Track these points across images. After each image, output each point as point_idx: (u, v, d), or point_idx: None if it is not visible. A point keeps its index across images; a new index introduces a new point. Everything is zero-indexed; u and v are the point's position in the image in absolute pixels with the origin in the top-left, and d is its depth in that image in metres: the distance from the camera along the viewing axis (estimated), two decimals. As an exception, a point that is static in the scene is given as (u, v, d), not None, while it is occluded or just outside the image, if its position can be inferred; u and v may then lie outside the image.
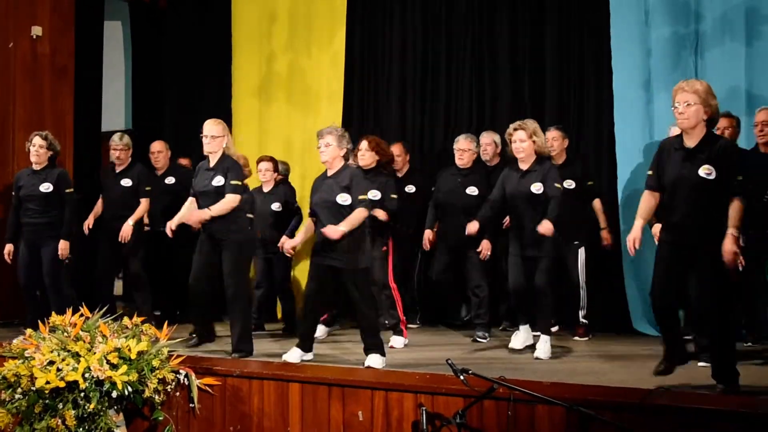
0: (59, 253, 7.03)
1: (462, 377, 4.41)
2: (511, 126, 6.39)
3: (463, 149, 7.28)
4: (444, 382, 4.83)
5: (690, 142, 4.78)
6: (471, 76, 8.55)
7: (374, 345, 5.71)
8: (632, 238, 4.92)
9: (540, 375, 5.22)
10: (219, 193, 6.17)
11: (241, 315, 6.17)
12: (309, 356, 5.91)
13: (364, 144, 6.90)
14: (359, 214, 5.72)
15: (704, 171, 4.67)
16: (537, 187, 6.22)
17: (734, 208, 4.67)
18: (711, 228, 4.69)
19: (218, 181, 6.20)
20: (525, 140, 6.26)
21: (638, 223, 4.96)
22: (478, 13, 8.53)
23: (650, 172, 4.98)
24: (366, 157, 6.85)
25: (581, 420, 4.23)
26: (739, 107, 6.90)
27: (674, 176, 4.80)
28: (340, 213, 5.74)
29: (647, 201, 4.99)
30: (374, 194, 6.60)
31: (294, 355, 5.80)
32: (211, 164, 6.30)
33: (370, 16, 9.16)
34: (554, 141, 7.22)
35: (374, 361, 5.60)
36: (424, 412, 4.57)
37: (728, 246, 4.60)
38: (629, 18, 7.54)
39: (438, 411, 4.69)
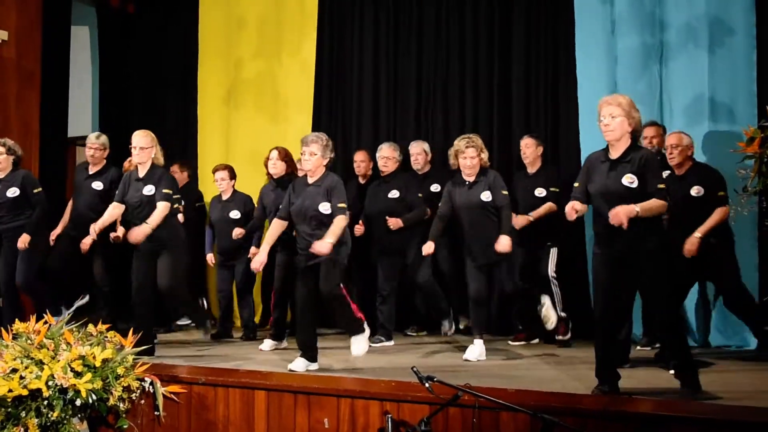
0: (18, 245, 7.09)
1: (427, 385, 4.41)
2: (462, 142, 6.50)
3: (387, 157, 7.53)
4: (409, 390, 4.84)
5: (615, 153, 4.94)
6: (440, 84, 8.58)
7: (355, 329, 5.95)
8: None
9: (505, 382, 5.24)
10: (151, 203, 6.36)
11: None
12: (314, 366, 5.86)
13: (274, 153, 7.17)
14: (340, 222, 5.77)
15: (627, 180, 4.84)
16: (486, 196, 6.40)
17: (652, 200, 4.79)
18: (637, 235, 4.79)
19: (149, 190, 6.39)
20: (475, 156, 6.43)
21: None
22: (447, 22, 8.57)
23: (576, 184, 5.13)
24: (277, 166, 7.15)
25: (545, 427, 4.24)
26: (702, 115, 7.02)
27: (600, 187, 4.95)
28: (321, 222, 5.79)
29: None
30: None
31: (299, 364, 5.77)
32: (140, 175, 6.48)
33: (340, 24, 9.15)
34: (527, 148, 7.35)
35: (359, 345, 5.92)
36: (389, 419, 4.59)
37: (622, 209, 4.69)
38: (595, 27, 7.62)
39: (404, 418, 4.70)
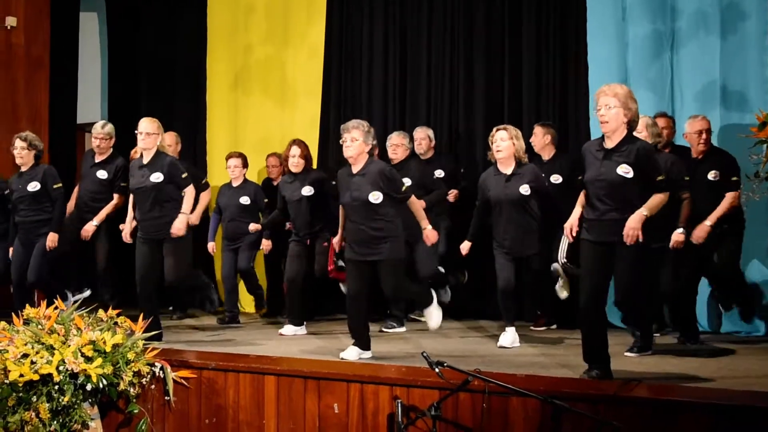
0: (47, 245, 7.12)
1: (437, 370, 4.42)
2: (494, 129, 6.46)
3: (396, 144, 7.43)
4: (419, 375, 4.85)
5: (610, 143, 4.94)
6: (450, 70, 8.55)
7: (424, 301, 6.02)
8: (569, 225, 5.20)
9: (515, 367, 5.25)
10: (157, 189, 6.37)
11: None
12: (367, 354, 5.78)
13: (296, 150, 7.15)
14: (417, 204, 5.89)
15: (622, 170, 4.84)
16: (525, 189, 6.29)
17: (654, 198, 4.85)
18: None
19: (156, 177, 6.37)
20: (506, 140, 6.31)
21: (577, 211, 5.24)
22: (458, 8, 8.53)
23: (580, 177, 5.18)
24: (299, 165, 7.15)
25: (555, 412, 4.25)
26: (713, 101, 6.97)
27: (593, 175, 4.96)
28: (374, 211, 5.69)
29: (581, 196, 5.24)
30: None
31: (352, 353, 5.74)
32: (145, 161, 6.44)
33: (349, 10, 9.11)
34: (536, 136, 7.38)
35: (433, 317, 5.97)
36: (399, 404, 4.59)
37: (631, 221, 4.76)
38: (606, 14, 7.57)
39: (413, 403, 4.71)
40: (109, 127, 7.68)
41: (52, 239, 7.14)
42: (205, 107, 9.67)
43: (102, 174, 7.54)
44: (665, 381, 4.86)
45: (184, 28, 10.00)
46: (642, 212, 4.77)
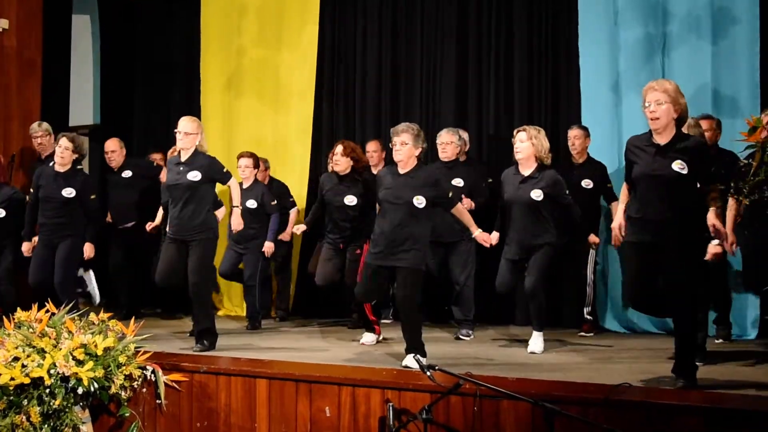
0: (86, 255, 7.08)
1: (428, 373, 4.43)
2: (516, 129, 6.47)
3: (446, 142, 7.20)
4: (411, 378, 4.87)
5: (661, 139, 4.84)
6: (442, 73, 8.55)
7: (414, 346, 5.55)
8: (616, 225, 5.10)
9: (506, 371, 5.25)
10: (192, 188, 6.27)
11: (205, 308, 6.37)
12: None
13: (339, 149, 6.92)
14: (463, 209, 5.93)
15: (678, 166, 4.75)
16: (537, 194, 6.26)
17: (712, 195, 4.82)
18: (683, 223, 4.76)
19: (194, 176, 6.27)
20: (524, 141, 6.31)
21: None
22: (450, 12, 8.54)
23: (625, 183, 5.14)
24: (341, 162, 6.87)
25: (546, 415, 4.26)
26: (705, 105, 6.99)
27: (645, 171, 4.86)
28: (413, 214, 5.59)
29: (624, 193, 5.17)
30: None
31: (369, 338, 6.00)
32: (183, 159, 6.36)
33: (342, 12, 9.12)
34: (576, 139, 7.31)
35: (411, 361, 5.37)
36: (390, 407, 4.58)
37: (710, 219, 4.76)
38: (598, 18, 7.60)
39: (405, 407, 4.71)
40: (45, 125, 7.70)
41: (90, 249, 7.10)
42: (198, 109, 9.64)
43: (68, 192, 7.18)
44: (656, 384, 4.87)
45: (178, 31, 10.00)
46: (713, 209, 4.76)
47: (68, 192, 7.03)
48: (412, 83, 8.73)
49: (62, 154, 7.06)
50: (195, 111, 9.62)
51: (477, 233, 5.99)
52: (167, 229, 6.55)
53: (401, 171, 5.70)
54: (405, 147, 5.65)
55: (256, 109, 9.39)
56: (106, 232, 7.89)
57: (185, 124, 6.38)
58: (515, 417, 4.51)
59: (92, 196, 7.17)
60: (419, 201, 5.57)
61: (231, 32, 9.61)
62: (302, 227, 7.15)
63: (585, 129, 7.39)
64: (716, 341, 6.56)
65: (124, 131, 9.32)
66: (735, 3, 7.08)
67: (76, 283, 7.19)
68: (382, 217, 5.73)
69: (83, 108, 10.32)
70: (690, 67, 7.20)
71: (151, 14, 10.16)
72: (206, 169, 6.31)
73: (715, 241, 5.61)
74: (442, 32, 8.59)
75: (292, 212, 8.38)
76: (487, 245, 6.15)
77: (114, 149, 8.15)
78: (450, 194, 5.79)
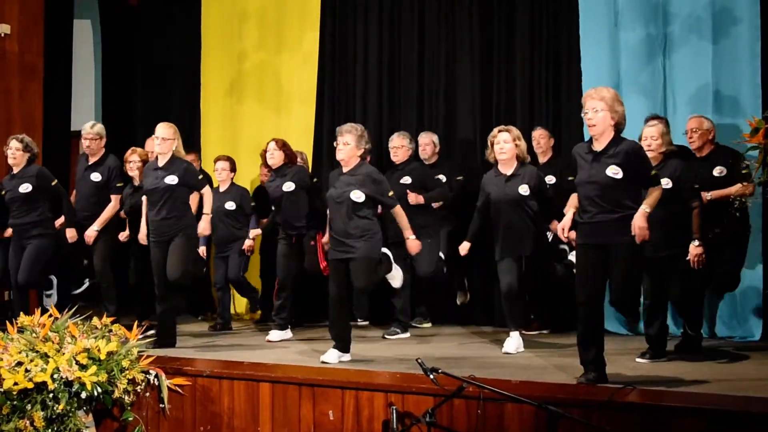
0: (68, 239, 7.29)
1: (432, 376, 4.43)
2: (495, 129, 6.53)
3: (396, 146, 7.52)
4: (414, 381, 4.86)
5: (598, 145, 4.99)
6: (442, 76, 8.56)
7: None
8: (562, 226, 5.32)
9: (509, 373, 5.25)
10: (170, 191, 6.49)
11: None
12: (347, 357, 5.87)
13: (272, 144, 7.24)
14: (402, 213, 6.03)
15: (612, 171, 4.89)
16: (524, 189, 6.32)
17: (652, 193, 4.94)
18: (622, 224, 4.85)
19: (171, 180, 6.50)
20: (509, 142, 6.37)
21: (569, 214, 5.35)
22: (450, 14, 8.54)
23: (571, 178, 5.28)
24: (275, 156, 7.20)
25: (550, 418, 4.26)
26: (706, 106, 6.97)
27: (585, 177, 5.01)
28: (353, 210, 5.84)
29: (574, 197, 5.34)
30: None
31: (332, 356, 5.81)
32: (160, 164, 6.57)
33: (342, 15, 9.12)
34: (541, 139, 7.49)
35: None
36: (394, 411, 4.59)
37: (637, 220, 4.80)
38: (599, 19, 7.58)
39: (408, 410, 4.71)
40: (99, 127, 7.65)
41: (72, 235, 7.27)
42: (199, 114, 9.67)
43: (96, 177, 7.52)
44: (659, 386, 4.86)
45: (179, 35, 10.02)
46: (644, 209, 4.82)
47: (25, 188, 7.19)
48: (411, 87, 8.72)
49: (14, 155, 7.26)
50: (196, 115, 9.66)
51: (410, 239, 6.07)
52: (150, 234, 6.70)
53: (344, 170, 5.98)
54: (347, 147, 5.95)
55: (257, 114, 9.40)
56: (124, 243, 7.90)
57: (163, 129, 6.59)
58: (519, 420, 4.51)
59: (53, 182, 7.32)
60: (357, 195, 5.81)
61: (232, 36, 9.63)
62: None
63: (549, 129, 7.63)
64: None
65: (125, 135, 9.33)
66: (736, 3, 7.06)
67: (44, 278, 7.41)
68: (330, 216, 6.05)
69: (85, 112, 10.31)
70: (691, 68, 7.18)
71: (152, 18, 10.17)
72: (182, 174, 6.52)
73: (696, 242, 5.73)
74: (442, 36, 8.58)
75: None
76: (412, 253, 6.21)
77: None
78: (390, 194, 5.99)
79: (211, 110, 9.66)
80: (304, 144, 8.99)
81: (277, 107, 9.34)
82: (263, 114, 9.37)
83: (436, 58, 8.61)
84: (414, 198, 7.20)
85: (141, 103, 10.16)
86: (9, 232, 7.35)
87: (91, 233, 7.31)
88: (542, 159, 7.52)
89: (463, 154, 8.38)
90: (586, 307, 4.95)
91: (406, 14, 8.80)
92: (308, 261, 7.19)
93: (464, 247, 6.63)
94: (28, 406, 5.00)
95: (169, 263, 6.43)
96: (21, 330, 5.32)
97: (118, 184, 7.54)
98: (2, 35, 8.59)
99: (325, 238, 6.76)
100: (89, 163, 7.59)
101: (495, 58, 8.32)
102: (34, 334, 5.22)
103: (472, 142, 8.31)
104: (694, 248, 5.90)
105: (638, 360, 5.79)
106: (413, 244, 6.08)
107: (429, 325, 7.93)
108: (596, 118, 4.93)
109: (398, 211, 6.03)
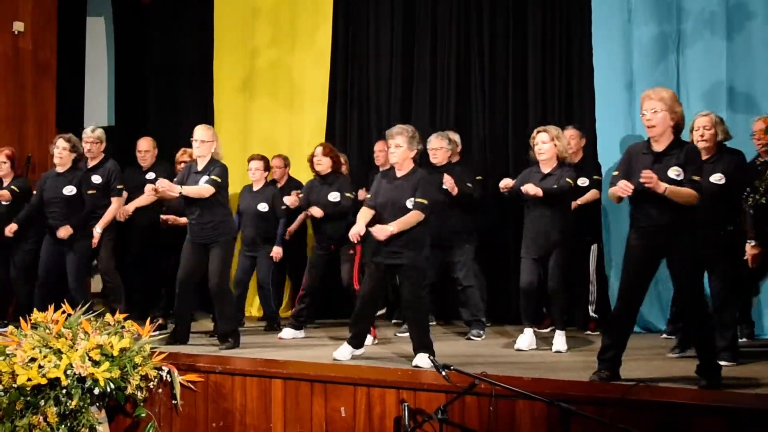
0: (98, 234, 7.27)
1: (443, 373, 4.42)
2: (535, 130, 6.51)
3: (436, 148, 7.27)
4: (426, 378, 4.87)
5: (658, 146, 4.94)
6: (455, 74, 8.55)
7: (423, 345, 5.60)
8: None
9: (521, 370, 5.24)
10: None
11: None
12: (359, 352, 5.89)
13: (318, 150, 7.15)
14: (412, 217, 5.64)
15: (674, 173, 4.84)
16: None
17: (684, 188, 4.81)
18: (681, 228, 4.82)
19: (205, 182, 6.46)
20: (547, 142, 6.36)
21: None
22: (463, 12, 8.53)
23: (616, 173, 5.11)
24: (322, 162, 7.12)
25: (562, 415, 4.25)
26: (720, 103, 6.94)
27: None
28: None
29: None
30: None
31: (344, 351, 5.79)
32: (200, 167, 6.55)
33: (355, 12, 9.13)
34: (572, 139, 7.31)
35: (422, 360, 5.46)
36: (406, 407, 4.58)
37: (646, 174, 4.73)
38: (612, 16, 7.55)
39: (420, 407, 4.70)
40: (99, 132, 7.66)
41: (96, 239, 7.25)
42: (212, 111, 9.68)
43: (96, 179, 7.49)
44: (673, 384, 4.85)
45: (191, 33, 10.04)
46: (663, 185, 4.73)
47: (69, 190, 7.11)
48: (425, 83, 8.72)
49: (60, 154, 7.17)
50: (209, 112, 9.67)
51: (390, 230, 5.61)
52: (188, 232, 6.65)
53: (398, 174, 5.78)
54: (399, 149, 5.75)
55: (270, 111, 9.40)
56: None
57: (201, 132, 6.55)
58: (531, 417, 4.49)
59: (90, 191, 7.23)
60: (412, 203, 5.66)
61: (244, 34, 9.63)
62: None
63: (580, 129, 7.47)
64: (740, 340, 6.51)
65: (137, 132, 9.35)
66: (749, -1, 7.04)
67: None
68: (384, 219, 5.76)
69: (97, 109, 10.37)
70: (705, 65, 7.14)
71: (165, 16, 10.20)
72: (210, 173, 6.47)
73: (752, 242, 5.62)
74: (454, 34, 8.58)
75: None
76: (381, 238, 5.70)
77: (147, 149, 8.15)
78: (419, 199, 5.69)
79: (223, 108, 9.68)
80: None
81: (289, 104, 9.35)
82: (276, 111, 9.37)
83: (449, 56, 8.60)
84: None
85: (153, 99, 10.19)
86: (10, 230, 7.34)
87: (95, 235, 7.32)
88: (574, 159, 7.26)
89: (480, 155, 8.34)
90: (624, 306, 4.98)
91: (419, 11, 8.80)
92: (345, 270, 7.08)
93: (506, 182, 6.48)
94: (42, 402, 5.01)
95: (211, 270, 6.43)
96: (34, 326, 5.33)
97: (119, 186, 7.52)
98: (16, 33, 8.64)
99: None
100: (89, 167, 7.59)
101: (507, 55, 8.31)
102: (47, 331, 5.23)
103: (486, 142, 8.29)
104: (751, 248, 5.78)
105: (669, 355, 5.86)
106: (380, 231, 5.65)
107: (433, 323, 7.90)
108: (655, 119, 4.89)
109: (414, 214, 5.67)
